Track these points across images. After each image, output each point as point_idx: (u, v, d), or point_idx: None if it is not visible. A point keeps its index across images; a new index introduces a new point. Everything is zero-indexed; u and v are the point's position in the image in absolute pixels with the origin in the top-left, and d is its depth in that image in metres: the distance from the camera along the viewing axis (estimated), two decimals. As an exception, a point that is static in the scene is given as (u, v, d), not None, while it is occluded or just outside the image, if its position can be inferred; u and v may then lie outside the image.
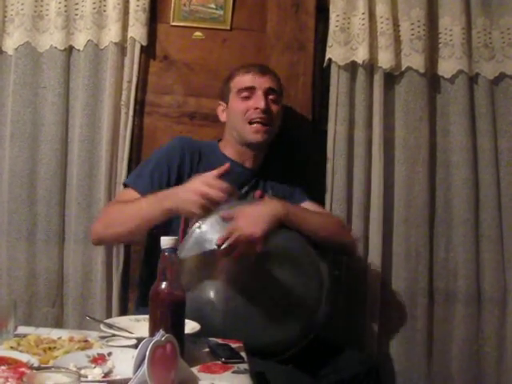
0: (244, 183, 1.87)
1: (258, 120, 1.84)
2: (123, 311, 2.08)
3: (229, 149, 1.91)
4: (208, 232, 1.65)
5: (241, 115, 1.85)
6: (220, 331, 1.51)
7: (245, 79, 1.88)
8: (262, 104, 1.83)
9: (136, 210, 1.67)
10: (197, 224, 1.65)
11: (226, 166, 1.61)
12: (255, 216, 1.63)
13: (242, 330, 1.56)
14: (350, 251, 1.99)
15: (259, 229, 1.60)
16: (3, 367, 1.07)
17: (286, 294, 1.66)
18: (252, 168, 1.91)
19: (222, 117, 1.95)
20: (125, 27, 2.10)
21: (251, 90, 1.86)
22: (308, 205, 1.94)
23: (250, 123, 1.84)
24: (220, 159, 1.84)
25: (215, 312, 1.62)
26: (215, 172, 1.58)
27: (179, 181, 1.76)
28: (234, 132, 1.90)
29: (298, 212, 1.75)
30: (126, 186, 1.86)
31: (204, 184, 1.55)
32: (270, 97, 1.87)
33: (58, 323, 2.11)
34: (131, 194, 1.77)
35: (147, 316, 1.30)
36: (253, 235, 1.59)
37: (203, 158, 1.85)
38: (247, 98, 1.86)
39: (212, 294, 1.63)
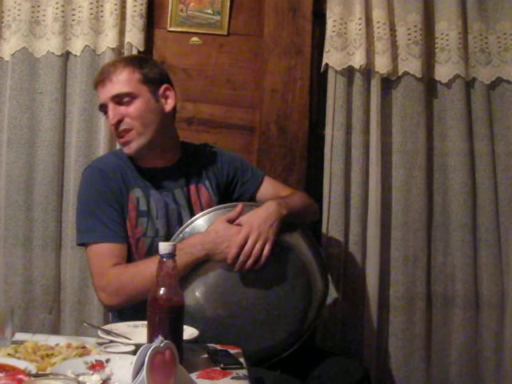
0: (173, 185, 1.75)
1: (118, 135, 1.71)
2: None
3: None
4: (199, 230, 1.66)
5: (112, 131, 1.77)
6: (203, 336, 1.45)
7: (98, 95, 1.75)
8: (110, 120, 1.69)
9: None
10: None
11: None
12: (262, 218, 1.61)
13: (227, 337, 1.52)
14: (317, 216, 1.98)
15: (271, 233, 1.60)
16: (1, 374, 1.07)
17: (272, 302, 1.63)
18: (171, 165, 1.77)
19: None
20: (122, 33, 2.10)
21: (104, 106, 1.72)
22: (269, 181, 1.91)
23: (117, 137, 1.74)
24: (137, 167, 1.75)
25: (198, 316, 1.57)
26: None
27: (121, 206, 1.69)
28: None
29: (289, 205, 1.71)
30: (86, 244, 1.69)
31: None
32: (123, 100, 1.68)
33: (55, 330, 2.10)
34: (110, 248, 1.65)
35: (145, 322, 1.29)
36: (267, 239, 1.59)
37: (123, 172, 1.73)
38: (107, 112, 1.72)
39: (198, 294, 1.59)
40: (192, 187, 1.78)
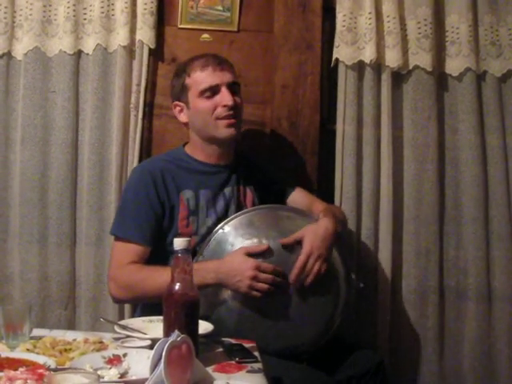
0: (224, 183, 1.85)
1: (227, 117, 1.78)
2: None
3: (198, 151, 1.85)
4: (230, 234, 1.70)
5: (209, 114, 1.79)
6: (234, 332, 1.53)
7: (205, 78, 1.80)
8: (229, 101, 1.77)
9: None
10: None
11: (265, 246, 1.65)
12: (322, 237, 1.67)
13: (256, 333, 1.57)
14: (346, 227, 2.07)
15: (329, 253, 1.68)
16: (21, 369, 1.09)
17: (303, 300, 1.67)
18: (228, 164, 1.87)
19: (182, 118, 1.87)
20: (133, 30, 2.11)
21: (214, 88, 1.79)
22: (300, 192, 1.98)
23: (220, 119, 1.79)
24: (192, 165, 1.83)
25: (230, 312, 1.64)
26: (255, 249, 1.64)
27: (163, 210, 1.76)
28: (202, 132, 1.83)
29: (339, 222, 1.78)
30: (116, 236, 1.79)
31: (255, 269, 1.59)
32: (234, 90, 1.82)
33: (71, 325, 2.12)
34: (135, 248, 1.73)
35: (160, 317, 1.31)
36: (325, 259, 1.66)
37: (175, 174, 1.80)
38: (211, 96, 1.79)
39: (228, 294, 1.64)
40: (241, 188, 1.87)
